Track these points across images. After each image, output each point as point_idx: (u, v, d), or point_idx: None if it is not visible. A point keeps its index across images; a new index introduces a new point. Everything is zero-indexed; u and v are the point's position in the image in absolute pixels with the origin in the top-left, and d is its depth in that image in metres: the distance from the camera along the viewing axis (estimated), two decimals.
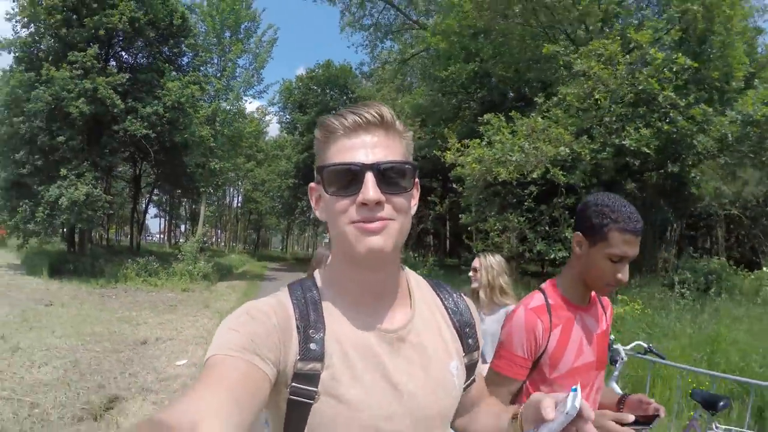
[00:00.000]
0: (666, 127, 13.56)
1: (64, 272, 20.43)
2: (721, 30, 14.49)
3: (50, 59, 19.52)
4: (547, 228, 15.85)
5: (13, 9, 20.75)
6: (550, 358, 2.14)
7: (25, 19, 20.60)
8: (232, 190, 55.50)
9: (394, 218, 1.10)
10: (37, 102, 18.58)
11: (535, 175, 14.33)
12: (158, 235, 69.26)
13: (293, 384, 1.07)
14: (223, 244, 64.24)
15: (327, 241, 7.35)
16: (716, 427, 4.39)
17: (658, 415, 2.04)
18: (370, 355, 1.14)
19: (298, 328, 1.11)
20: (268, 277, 29.74)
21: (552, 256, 15.97)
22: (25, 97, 19.08)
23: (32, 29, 20.69)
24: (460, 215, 17.98)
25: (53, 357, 8.36)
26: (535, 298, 2.25)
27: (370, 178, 1.07)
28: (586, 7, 16.29)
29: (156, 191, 36.58)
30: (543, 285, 2.33)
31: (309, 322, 1.12)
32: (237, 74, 31.61)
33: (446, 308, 1.35)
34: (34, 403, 6.20)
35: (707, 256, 19.52)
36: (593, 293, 2.31)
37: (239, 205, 62.93)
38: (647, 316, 11.54)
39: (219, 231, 67.57)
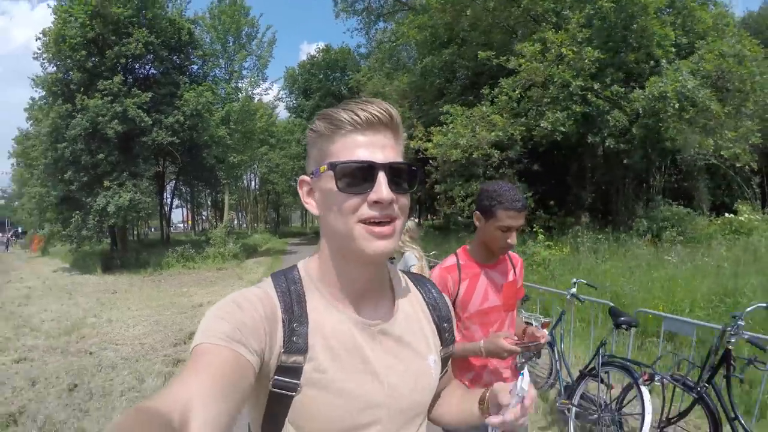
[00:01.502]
0: (578, 109, 16.04)
1: (114, 267, 23.63)
2: (641, 18, 16.37)
3: (81, 90, 22.11)
4: None
5: (39, 48, 23.37)
6: (461, 303, 2.70)
7: (51, 56, 23.17)
8: (249, 174, 57.14)
9: (399, 218, 1.12)
10: (76, 128, 21.34)
11: (475, 156, 17.18)
12: (181, 225, 70.79)
13: (276, 377, 1.09)
14: (245, 225, 66.00)
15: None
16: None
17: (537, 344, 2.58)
18: (353, 348, 1.16)
19: (283, 321, 1.11)
20: (290, 251, 32.53)
21: None
22: (64, 125, 21.75)
23: (59, 64, 23.20)
24: (434, 185, 20.25)
25: (139, 321, 11.63)
26: (449, 260, 2.87)
27: (382, 177, 1.07)
28: (517, 18, 19.08)
29: (180, 185, 39.29)
30: (458, 249, 2.93)
31: (293, 315, 1.13)
32: (243, 76, 34.38)
33: (427, 303, 1.38)
34: (143, 343, 9.56)
35: (678, 204, 20.84)
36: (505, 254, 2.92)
37: (257, 187, 64.61)
38: (570, 257, 14.12)
39: (241, 214, 69.09)
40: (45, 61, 23.69)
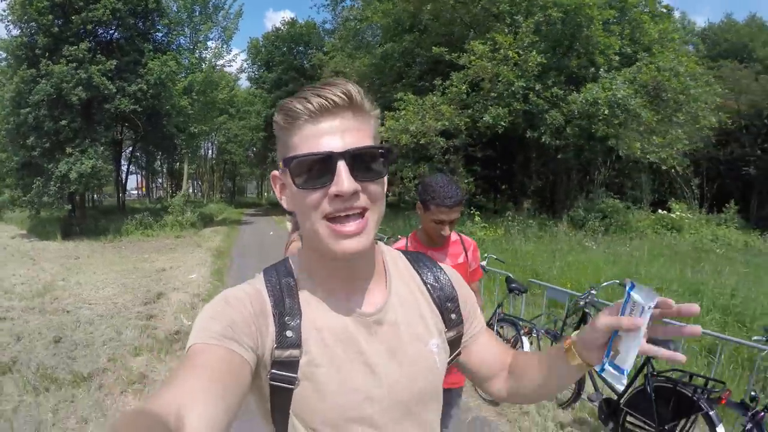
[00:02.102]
0: (519, 106, 17.48)
1: (73, 234, 23.89)
2: (587, 28, 17.83)
3: (46, 55, 22.18)
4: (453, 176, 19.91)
5: (3, 11, 23.30)
6: None
7: (16, 18, 22.96)
8: (207, 143, 57.13)
9: (370, 207, 1.07)
10: (40, 94, 21.44)
11: (422, 142, 18.41)
12: (135, 192, 70.14)
13: (272, 371, 1.08)
14: (200, 195, 65.71)
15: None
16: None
17: None
18: (348, 340, 1.13)
19: (274, 315, 1.10)
20: (245, 221, 33.46)
21: None
22: (27, 90, 21.78)
23: (24, 27, 23.11)
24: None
25: (107, 284, 12.24)
26: (400, 242, 3.21)
27: (342, 167, 1.01)
28: (475, 15, 20.27)
29: (135, 152, 39.22)
30: (410, 234, 3.25)
31: (284, 309, 1.11)
32: (208, 47, 34.34)
33: (425, 284, 1.33)
34: (115, 302, 10.27)
35: (618, 198, 22.92)
36: (453, 237, 3.24)
37: (213, 156, 64.53)
38: (503, 238, 15.56)
39: (197, 183, 68.83)
40: (9, 23, 23.57)
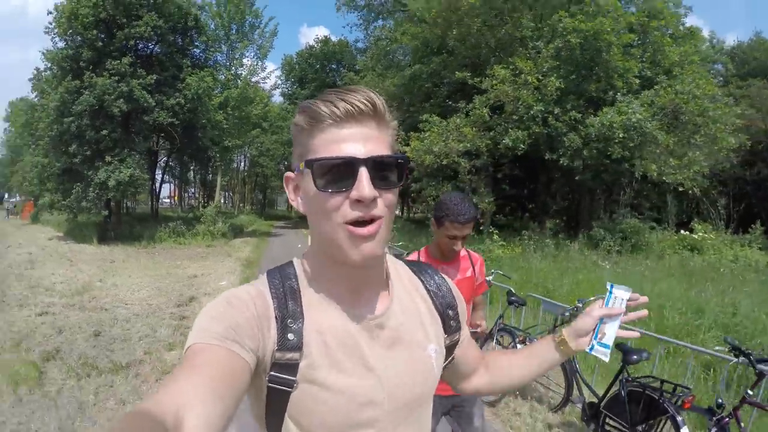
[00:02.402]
0: (537, 129, 18.05)
1: (108, 239, 25.10)
2: (606, 53, 18.24)
3: (90, 67, 23.37)
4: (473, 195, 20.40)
5: (50, 23, 24.59)
6: None
7: (62, 32, 24.22)
8: (240, 155, 57.57)
9: (384, 215, 1.08)
10: (83, 104, 22.58)
11: (445, 162, 19.05)
12: (167, 200, 71.29)
13: (272, 373, 1.08)
14: (231, 205, 66.62)
15: None
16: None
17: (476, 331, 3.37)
18: (350, 343, 1.14)
19: (276, 318, 1.10)
20: (274, 233, 34.16)
21: None
22: (71, 100, 22.92)
23: (69, 41, 24.35)
24: (411, 183, 22.05)
25: (142, 287, 13.01)
26: (412, 256, 3.31)
27: (364, 173, 1.03)
28: (499, 40, 20.88)
29: (169, 162, 40.42)
30: (421, 249, 3.38)
31: (287, 312, 1.11)
32: (244, 64, 35.90)
33: (428, 291, 1.36)
34: (149, 304, 11.02)
35: (643, 218, 23.43)
36: (461, 252, 3.37)
37: (246, 169, 65.57)
38: (520, 256, 15.97)
39: (228, 194, 69.75)
40: (56, 36, 24.75)
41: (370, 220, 1.06)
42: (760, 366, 4.15)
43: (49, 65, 25.54)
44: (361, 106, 1.04)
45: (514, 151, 18.88)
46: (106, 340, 8.11)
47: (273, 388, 1.09)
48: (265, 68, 41.91)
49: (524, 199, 27.73)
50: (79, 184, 24.05)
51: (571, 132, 18.20)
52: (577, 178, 20.38)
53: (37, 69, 28.62)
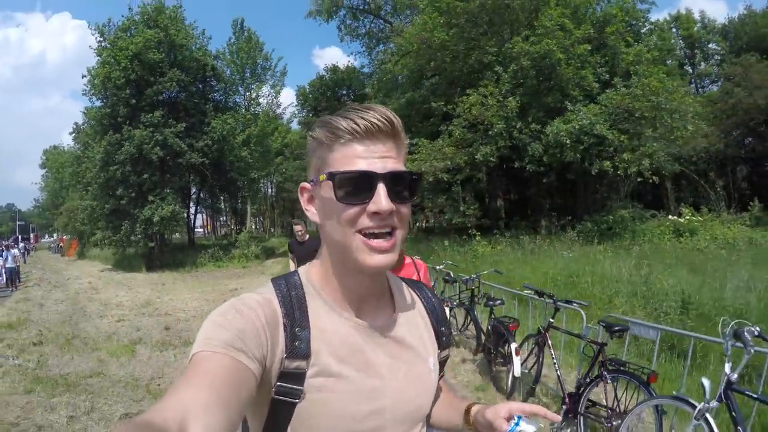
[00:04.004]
0: (503, 143, 20.79)
1: (155, 267, 28.72)
2: (558, 68, 20.83)
3: (127, 122, 27.09)
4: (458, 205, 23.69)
5: (85, 86, 28.61)
6: None
7: (98, 93, 28.35)
8: (266, 182, 60.71)
9: (399, 227, 1.11)
10: (125, 154, 26.31)
11: (430, 180, 21.89)
12: (200, 230, 74.17)
13: (278, 384, 1.08)
14: (262, 230, 69.57)
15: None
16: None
17: None
18: (356, 352, 1.15)
19: (284, 326, 1.10)
20: None
21: (453, 221, 23.92)
22: (114, 150, 26.66)
23: (106, 101, 28.20)
24: None
25: (193, 299, 16.34)
26: None
27: (381, 188, 1.06)
28: (471, 66, 23.75)
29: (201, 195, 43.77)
30: None
31: (295, 320, 1.12)
32: (260, 103, 40.10)
33: (425, 308, 1.40)
34: (201, 309, 14.24)
35: (636, 206, 25.53)
36: (407, 260, 3.90)
37: (273, 194, 68.70)
38: (499, 252, 18.54)
39: (259, 219, 72.43)
40: (93, 96, 28.84)
41: (387, 233, 1.10)
42: (559, 303, 6.07)
43: (89, 120, 29.76)
44: (380, 124, 1.08)
45: (486, 164, 21.84)
46: (175, 331, 11.37)
47: (278, 400, 1.09)
48: (280, 104, 45.05)
49: (525, 201, 30.48)
50: (126, 221, 27.68)
51: (534, 141, 20.78)
52: (543, 180, 23.10)
53: (76, 124, 33.28)
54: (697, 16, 43.95)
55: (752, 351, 3.68)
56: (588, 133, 19.49)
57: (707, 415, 3.72)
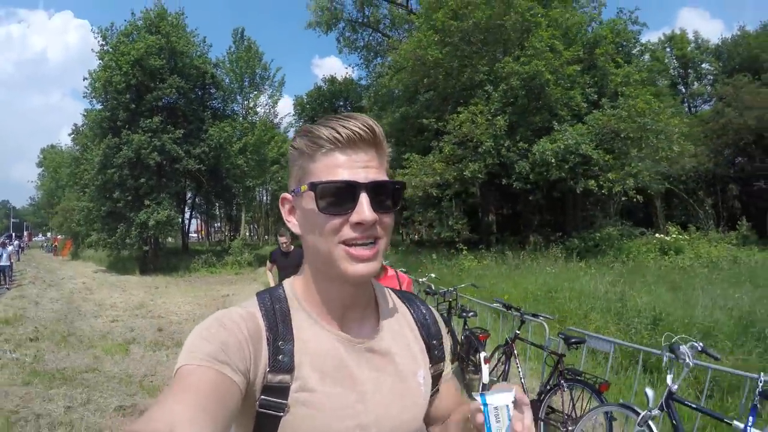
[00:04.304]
0: (491, 161, 21.25)
1: (148, 270, 29.11)
2: (547, 88, 21.32)
3: (126, 126, 27.57)
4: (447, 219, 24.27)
5: (86, 88, 29.26)
6: None
7: (98, 96, 28.92)
8: (261, 190, 61.55)
9: (382, 237, 1.11)
10: (123, 158, 26.76)
11: (420, 194, 22.45)
12: (194, 235, 74.62)
13: (262, 397, 1.07)
14: (256, 237, 69.21)
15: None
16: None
17: None
18: (339, 366, 1.14)
19: (267, 339, 1.10)
20: None
21: (441, 234, 24.69)
22: (112, 153, 27.10)
23: (106, 104, 28.70)
24: (402, 211, 25.04)
25: (185, 303, 16.75)
26: None
27: (364, 198, 1.06)
28: (463, 84, 24.25)
29: (196, 200, 44.29)
30: None
31: (278, 334, 1.11)
32: (257, 112, 40.78)
33: (415, 320, 1.37)
34: (193, 313, 14.73)
35: (624, 223, 26.08)
36: (390, 272, 4.08)
37: (268, 202, 69.17)
38: (485, 267, 18.84)
39: (253, 226, 72.90)
40: (93, 99, 29.50)
41: (370, 242, 1.09)
42: (525, 316, 6.52)
43: (88, 122, 30.44)
44: (362, 133, 1.07)
45: (477, 180, 22.44)
46: (168, 333, 11.84)
47: (263, 414, 1.07)
48: (277, 114, 45.75)
49: (516, 217, 30.98)
50: (122, 224, 28.11)
51: (522, 159, 21.24)
52: (530, 198, 23.65)
53: (75, 125, 34.29)
54: (691, 36, 44.34)
55: (690, 364, 4.05)
56: (573, 153, 20.00)
57: (650, 422, 4.11)
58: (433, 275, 10.86)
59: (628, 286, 12.62)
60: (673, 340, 4.27)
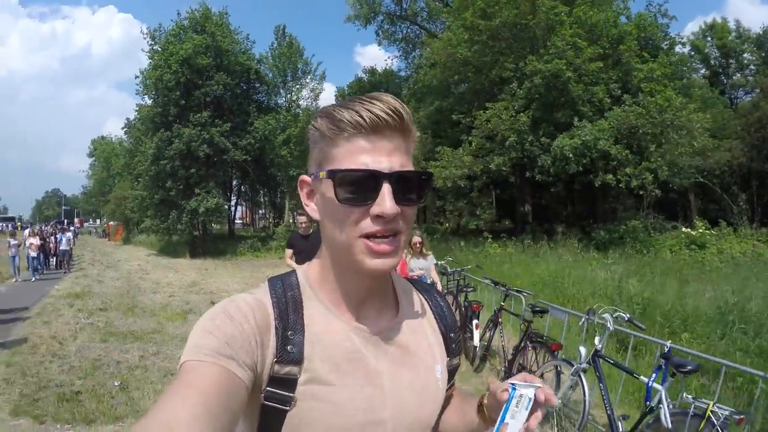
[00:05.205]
0: (514, 155, 22.38)
1: (197, 254, 31.18)
2: (570, 85, 22.11)
3: (177, 120, 29.68)
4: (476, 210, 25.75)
5: (138, 86, 31.86)
6: None
7: (150, 93, 31.25)
8: None
9: (403, 231, 1.04)
10: (175, 150, 28.92)
11: (449, 185, 23.62)
12: (239, 221, 76.58)
13: (268, 389, 1.01)
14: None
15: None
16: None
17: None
18: (354, 358, 1.08)
19: (276, 328, 1.04)
20: None
21: (469, 224, 26.13)
22: (164, 146, 29.29)
23: (157, 100, 30.78)
24: (437, 200, 26.71)
25: (235, 283, 18.44)
26: None
27: (387, 189, 0.98)
28: (492, 80, 25.36)
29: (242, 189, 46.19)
30: None
31: (288, 323, 1.05)
32: (300, 105, 42.26)
33: (433, 312, 1.31)
34: (243, 290, 16.07)
35: (657, 217, 26.47)
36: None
37: None
38: (511, 254, 19.72)
39: (296, 213, 74.65)
40: (144, 95, 32.00)
41: (390, 236, 1.02)
42: (510, 291, 7.71)
43: (141, 117, 33.02)
44: (387, 118, 0.98)
45: (501, 173, 23.62)
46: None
47: (268, 407, 1.02)
48: (320, 106, 47.64)
49: (547, 208, 32.00)
50: (174, 211, 30.30)
51: (544, 154, 22.18)
52: (552, 190, 24.71)
53: (128, 119, 37.29)
54: (732, 25, 42.65)
55: (611, 328, 5.14)
56: (591, 148, 20.87)
57: (581, 374, 5.18)
58: (450, 258, 12.23)
59: (637, 277, 13.23)
60: (601, 310, 5.41)
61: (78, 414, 6.05)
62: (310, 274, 1.16)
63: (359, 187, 0.98)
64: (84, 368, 7.83)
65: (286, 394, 1.00)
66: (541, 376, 5.75)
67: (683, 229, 23.34)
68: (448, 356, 1.27)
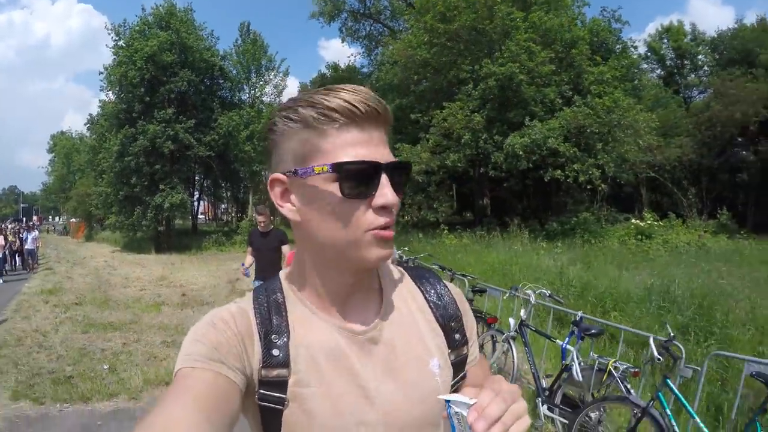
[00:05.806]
0: (469, 152, 23.64)
1: (162, 249, 31.52)
2: (523, 87, 23.46)
3: (141, 117, 29.99)
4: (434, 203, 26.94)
5: (102, 82, 32.09)
6: None
7: (114, 89, 31.49)
8: (266, 173, 63.22)
9: (394, 220, 1.02)
10: (139, 146, 29.19)
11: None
12: (201, 216, 76.40)
13: (260, 390, 1.02)
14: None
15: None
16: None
17: None
18: (340, 359, 1.06)
19: (259, 334, 1.04)
20: None
21: (427, 217, 27.25)
22: (129, 142, 29.50)
23: (122, 97, 31.07)
24: None
25: (202, 276, 18.90)
26: (290, 252, 4.79)
27: (386, 179, 0.97)
28: (450, 81, 26.44)
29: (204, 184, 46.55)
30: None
31: (271, 327, 1.06)
32: (263, 101, 43.05)
33: (428, 302, 1.22)
34: (210, 283, 17.06)
35: (609, 209, 28.20)
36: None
37: None
38: (463, 245, 20.74)
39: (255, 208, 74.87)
40: (109, 91, 32.22)
41: (391, 226, 1.00)
42: (455, 275, 8.61)
43: (104, 114, 33.28)
44: (377, 108, 0.96)
45: (456, 169, 24.76)
46: (191, 297, 14.22)
47: (264, 407, 1.03)
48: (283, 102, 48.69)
49: (505, 201, 32.95)
50: (139, 207, 30.62)
51: (497, 151, 23.45)
52: (505, 184, 25.91)
53: (91, 115, 37.00)
54: (688, 27, 45.02)
55: (532, 302, 6.29)
56: (541, 146, 22.18)
57: (510, 340, 6.17)
58: (406, 249, 13.26)
59: (581, 265, 14.22)
60: (526, 287, 6.59)
61: (74, 394, 6.67)
62: (292, 278, 1.16)
63: (362, 179, 0.96)
64: (72, 356, 8.38)
65: (278, 395, 1.02)
66: (481, 346, 6.51)
67: (633, 221, 24.44)
68: (449, 348, 1.19)
